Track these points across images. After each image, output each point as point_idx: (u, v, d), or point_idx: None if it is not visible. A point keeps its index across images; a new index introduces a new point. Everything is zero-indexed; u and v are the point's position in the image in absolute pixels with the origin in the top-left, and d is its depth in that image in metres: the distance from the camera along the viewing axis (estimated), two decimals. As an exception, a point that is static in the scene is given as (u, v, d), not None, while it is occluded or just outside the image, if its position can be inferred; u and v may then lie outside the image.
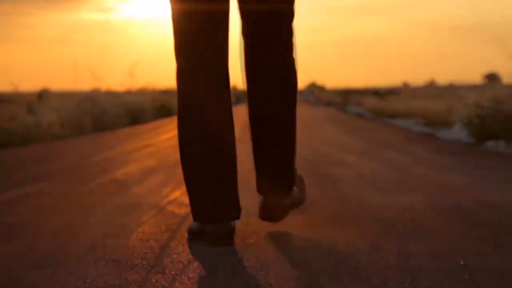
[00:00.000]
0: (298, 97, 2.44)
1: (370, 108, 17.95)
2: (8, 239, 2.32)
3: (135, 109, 12.55)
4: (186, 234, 2.33)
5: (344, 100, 27.63)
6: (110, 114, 10.64)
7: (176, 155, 5.89)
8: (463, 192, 3.38)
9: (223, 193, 2.21)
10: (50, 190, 3.51)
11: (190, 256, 2.04)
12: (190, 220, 2.60)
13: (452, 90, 20.36)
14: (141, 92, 17.90)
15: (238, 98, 19.10)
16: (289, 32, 2.43)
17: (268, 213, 2.47)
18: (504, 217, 2.72)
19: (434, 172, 4.34)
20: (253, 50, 2.37)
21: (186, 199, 3.15)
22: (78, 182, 3.81)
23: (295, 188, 2.55)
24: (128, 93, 16.04)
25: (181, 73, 2.25)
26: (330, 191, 3.49)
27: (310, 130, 9.19)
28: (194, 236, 2.29)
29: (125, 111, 11.83)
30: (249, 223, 2.54)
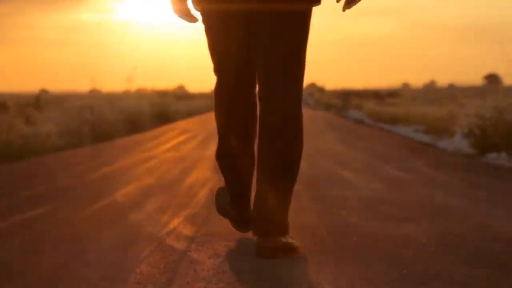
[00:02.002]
0: None
1: (370, 113, 17.92)
2: (5, 281, 2.27)
3: (134, 116, 12.51)
4: (184, 276, 2.28)
5: (344, 104, 27.60)
6: (108, 122, 10.60)
7: (176, 170, 5.75)
8: (466, 220, 3.34)
9: None
10: (46, 218, 3.46)
11: (189, 306, 2.00)
12: (188, 257, 2.57)
13: (452, 93, 20.32)
14: (140, 94, 17.86)
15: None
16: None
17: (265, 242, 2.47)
18: (509, 251, 2.68)
19: (435, 194, 4.29)
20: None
21: (184, 229, 3.13)
22: (75, 207, 3.76)
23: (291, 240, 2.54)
24: (126, 93, 16.03)
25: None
26: (330, 217, 3.44)
27: (309, 139, 9.14)
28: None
29: (124, 118, 11.79)
30: (248, 260, 2.50)
